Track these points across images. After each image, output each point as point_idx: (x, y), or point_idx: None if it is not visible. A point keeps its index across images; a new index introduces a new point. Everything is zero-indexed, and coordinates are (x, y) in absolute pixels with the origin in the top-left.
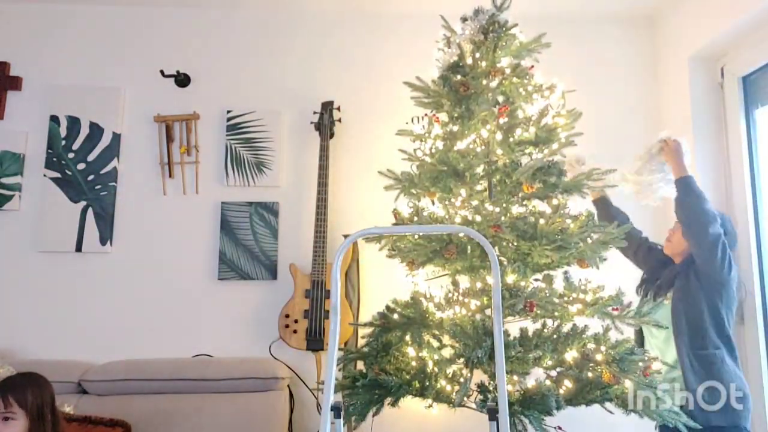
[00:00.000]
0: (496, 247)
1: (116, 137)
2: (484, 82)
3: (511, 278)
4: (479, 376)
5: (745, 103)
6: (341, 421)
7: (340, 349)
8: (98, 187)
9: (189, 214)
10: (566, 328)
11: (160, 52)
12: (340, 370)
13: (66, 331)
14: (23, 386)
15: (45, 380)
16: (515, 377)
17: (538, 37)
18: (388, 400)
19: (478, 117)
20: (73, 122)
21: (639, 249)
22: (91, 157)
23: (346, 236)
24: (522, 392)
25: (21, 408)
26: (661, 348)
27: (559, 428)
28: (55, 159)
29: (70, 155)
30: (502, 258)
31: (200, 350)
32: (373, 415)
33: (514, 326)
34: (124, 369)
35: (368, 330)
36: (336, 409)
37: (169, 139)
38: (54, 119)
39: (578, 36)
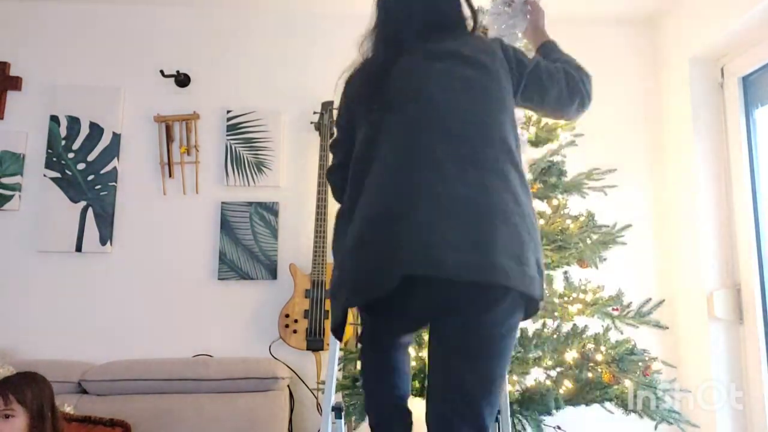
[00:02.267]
0: None
1: (116, 137)
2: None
3: None
4: None
5: (745, 103)
6: (342, 421)
7: (340, 349)
8: (98, 187)
9: (189, 214)
10: (566, 328)
11: (160, 52)
12: (340, 370)
13: (66, 331)
14: (23, 385)
15: (44, 379)
16: (515, 377)
17: None
18: None
19: None
20: (73, 122)
21: None
22: (91, 157)
23: None
24: (521, 392)
25: (21, 406)
26: None
27: (559, 428)
28: (55, 159)
29: (70, 155)
30: None
31: (200, 350)
32: None
33: None
34: (124, 369)
35: None
36: (337, 410)
37: (169, 139)
38: (54, 119)
39: (578, 37)
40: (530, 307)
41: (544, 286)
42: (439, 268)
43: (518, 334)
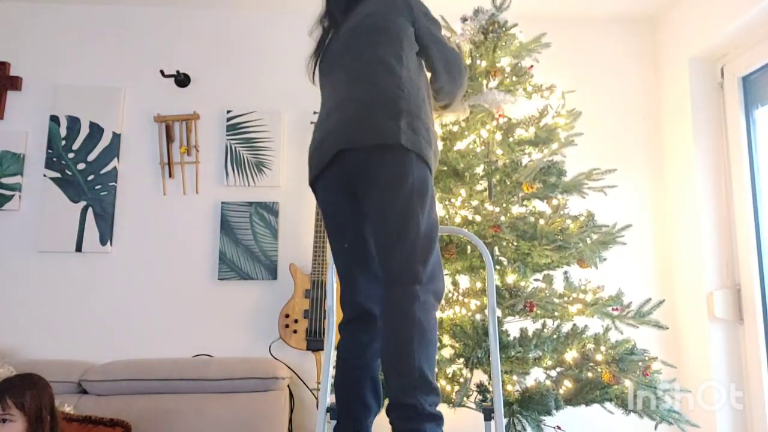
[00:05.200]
0: (496, 247)
1: (116, 137)
2: (484, 82)
3: (511, 278)
4: (479, 376)
5: (745, 103)
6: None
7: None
8: (98, 187)
9: (189, 214)
10: (566, 328)
11: (160, 52)
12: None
13: (66, 331)
14: (21, 388)
15: (44, 382)
16: (515, 377)
17: (538, 37)
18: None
19: (476, 117)
20: (73, 122)
21: None
22: (91, 157)
23: None
24: (521, 392)
25: (19, 410)
26: None
27: (558, 428)
28: (55, 159)
29: (70, 155)
30: (502, 258)
31: (200, 350)
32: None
33: (514, 326)
34: (124, 369)
35: None
36: (332, 411)
37: (169, 139)
38: (54, 119)
39: (579, 36)
40: None
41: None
42: None
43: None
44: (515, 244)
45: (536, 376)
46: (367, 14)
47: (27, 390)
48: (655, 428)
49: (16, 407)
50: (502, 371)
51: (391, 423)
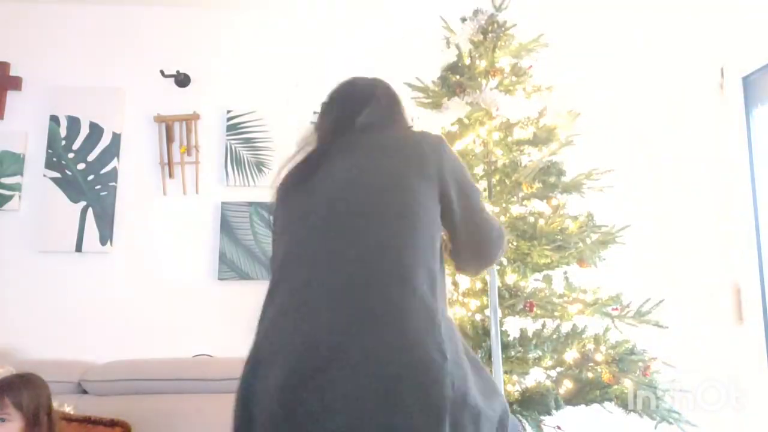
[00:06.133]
0: None
1: (116, 137)
2: (484, 82)
3: (511, 278)
4: None
5: (745, 103)
6: None
7: None
8: (98, 187)
9: (189, 214)
10: (566, 328)
11: (160, 52)
12: None
13: (66, 331)
14: (19, 387)
15: (42, 381)
16: (515, 377)
17: (537, 37)
18: None
19: (474, 116)
20: (73, 122)
21: None
22: (91, 157)
23: None
24: (521, 392)
25: (16, 410)
26: None
27: (558, 428)
28: (55, 159)
29: (70, 155)
30: (502, 258)
31: (200, 350)
32: None
33: (514, 326)
34: (124, 369)
35: None
36: None
37: (169, 139)
38: (54, 119)
39: (580, 36)
40: None
41: None
42: None
43: None
44: (515, 244)
45: (536, 376)
46: (379, 168)
47: (25, 390)
48: (655, 428)
49: (13, 407)
50: (501, 371)
51: None
